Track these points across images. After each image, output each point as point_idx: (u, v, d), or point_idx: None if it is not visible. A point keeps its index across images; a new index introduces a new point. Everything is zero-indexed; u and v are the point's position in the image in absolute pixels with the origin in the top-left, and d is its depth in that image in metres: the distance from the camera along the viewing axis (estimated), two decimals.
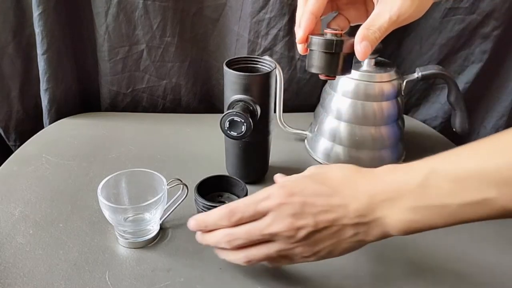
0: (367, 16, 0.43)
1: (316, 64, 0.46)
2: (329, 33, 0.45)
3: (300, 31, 0.45)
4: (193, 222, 0.44)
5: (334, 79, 0.49)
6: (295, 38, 0.47)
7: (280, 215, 0.40)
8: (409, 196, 0.37)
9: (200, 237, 0.45)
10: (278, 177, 0.49)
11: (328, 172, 0.42)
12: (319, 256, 0.41)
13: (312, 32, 0.45)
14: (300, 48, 0.47)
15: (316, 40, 0.45)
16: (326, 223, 0.39)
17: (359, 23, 0.44)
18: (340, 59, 0.45)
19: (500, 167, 0.33)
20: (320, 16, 0.46)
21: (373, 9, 0.43)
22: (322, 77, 0.47)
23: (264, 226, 0.40)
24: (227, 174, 0.51)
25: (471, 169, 0.35)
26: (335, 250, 0.40)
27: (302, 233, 0.39)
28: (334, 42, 0.44)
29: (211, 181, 0.56)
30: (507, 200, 0.33)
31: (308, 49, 0.46)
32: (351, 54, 0.44)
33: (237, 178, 0.56)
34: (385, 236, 0.39)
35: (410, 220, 0.37)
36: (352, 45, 0.43)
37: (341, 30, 0.46)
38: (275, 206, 0.40)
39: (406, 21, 0.43)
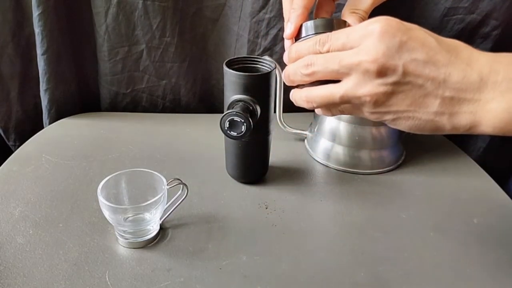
0: None
1: None
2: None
3: (290, 25, 0.42)
4: (289, 48, 0.41)
5: None
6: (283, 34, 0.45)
7: (371, 44, 0.34)
8: None
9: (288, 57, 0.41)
10: None
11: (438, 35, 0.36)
12: (381, 118, 0.36)
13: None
14: (288, 45, 0.44)
15: (312, 23, 0.41)
16: (416, 77, 0.34)
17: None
18: None
19: None
20: (311, 8, 0.43)
21: None
22: None
23: (347, 55, 0.35)
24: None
25: None
26: (403, 121, 0.36)
27: (383, 78, 0.34)
28: (334, 21, 0.40)
29: None
30: None
31: (299, 40, 0.43)
32: None
33: None
34: (469, 129, 0.34)
35: None
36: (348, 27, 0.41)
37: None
38: (369, 33, 0.34)
39: None
